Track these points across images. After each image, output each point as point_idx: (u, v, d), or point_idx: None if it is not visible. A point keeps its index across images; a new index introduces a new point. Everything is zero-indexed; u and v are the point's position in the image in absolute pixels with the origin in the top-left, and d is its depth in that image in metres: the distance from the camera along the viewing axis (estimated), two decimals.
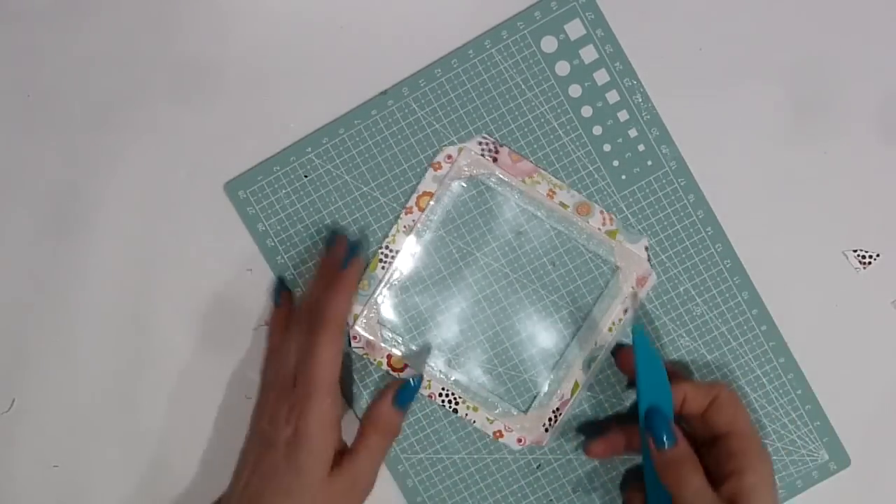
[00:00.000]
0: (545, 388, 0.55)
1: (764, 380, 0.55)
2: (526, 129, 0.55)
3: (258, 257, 0.56)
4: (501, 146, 0.54)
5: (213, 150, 0.56)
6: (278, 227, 0.55)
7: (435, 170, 0.55)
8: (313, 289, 0.53)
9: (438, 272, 0.55)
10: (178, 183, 0.56)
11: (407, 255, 0.55)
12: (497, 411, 0.55)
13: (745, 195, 0.55)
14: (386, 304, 0.55)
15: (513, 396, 0.55)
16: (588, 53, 0.55)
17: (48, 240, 0.56)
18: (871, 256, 0.56)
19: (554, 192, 0.55)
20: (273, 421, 0.50)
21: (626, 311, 0.55)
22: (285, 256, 0.55)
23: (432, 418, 0.56)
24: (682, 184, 0.55)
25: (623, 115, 0.55)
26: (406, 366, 0.55)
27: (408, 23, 0.55)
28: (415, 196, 0.55)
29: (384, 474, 0.56)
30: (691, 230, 0.55)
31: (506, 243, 0.55)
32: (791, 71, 0.55)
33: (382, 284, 0.55)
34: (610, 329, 0.55)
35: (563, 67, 0.55)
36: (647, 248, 0.55)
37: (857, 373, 0.56)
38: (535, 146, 0.55)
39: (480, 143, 0.54)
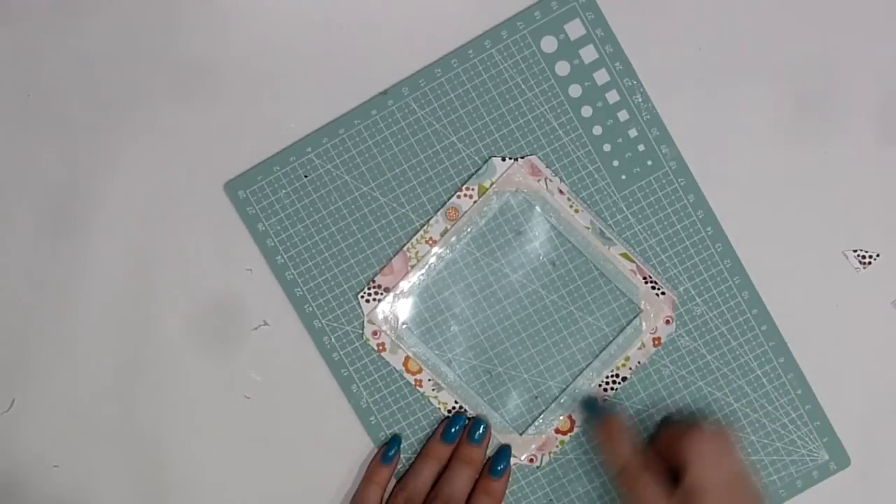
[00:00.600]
0: (542, 417, 0.55)
1: (764, 380, 0.55)
2: (526, 129, 0.55)
3: (258, 257, 0.56)
4: (554, 177, 0.54)
5: (213, 150, 0.56)
6: (278, 227, 0.55)
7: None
8: (447, 482, 0.53)
9: (468, 286, 0.55)
10: (178, 183, 0.56)
11: (437, 262, 0.55)
12: (495, 425, 0.55)
13: (745, 195, 0.55)
14: (411, 307, 0.55)
15: (514, 417, 0.56)
16: (588, 53, 0.55)
17: (48, 240, 0.56)
18: (871, 256, 0.56)
19: (591, 226, 0.55)
20: None
21: (639, 362, 0.55)
22: (285, 256, 0.55)
23: (433, 419, 0.56)
24: (682, 184, 0.55)
25: (623, 115, 0.55)
26: (421, 369, 0.55)
27: (408, 23, 0.56)
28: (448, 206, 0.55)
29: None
30: (691, 230, 0.55)
31: (540, 266, 0.55)
32: (791, 70, 0.55)
33: (411, 287, 0.55)
34: (618, 372, 0.55)
35: (563, 67, 0.55)
36: (675, 303, 0.55)
37: (857, 373, 0.56)
38: (535, 146, 0.55)
39: (533, 164, 0.54)
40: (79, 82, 0.55)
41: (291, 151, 0.55)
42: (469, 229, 0.55)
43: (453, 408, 0.55)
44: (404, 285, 0.55)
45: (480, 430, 0.54)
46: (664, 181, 0.55)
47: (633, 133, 0.55)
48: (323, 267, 0.55)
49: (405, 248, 0.55)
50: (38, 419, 0.56)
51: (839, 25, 0.55)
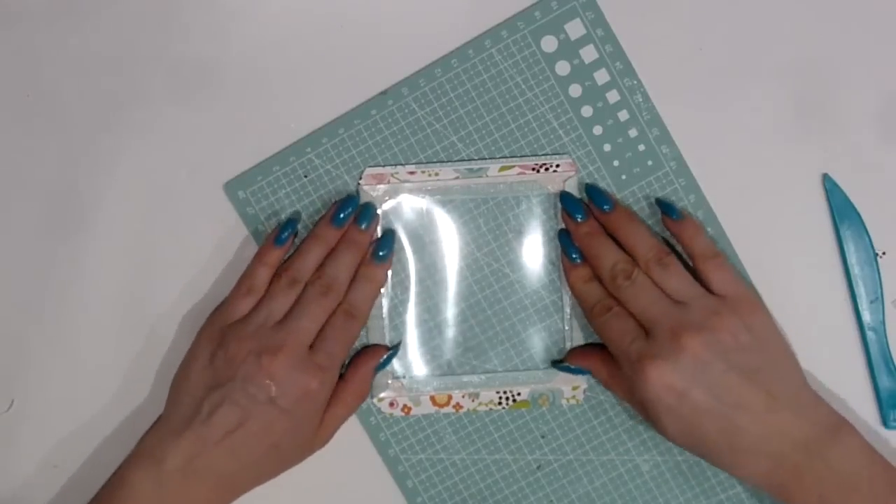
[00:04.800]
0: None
1: None
2: (526, 129, 0.55)
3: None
4: (397, 167, 0.55)
5: (212, 150, 0.56)
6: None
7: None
8: (332, 263, 0.53)
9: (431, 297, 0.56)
10: (178, 183, 0.56)
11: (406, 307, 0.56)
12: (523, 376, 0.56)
13: (745, 195, 0.55)
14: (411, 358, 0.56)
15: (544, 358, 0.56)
16: (588, 53, 0.55)
17: (48, 239, 0.56)
18: (878, 255, 0.56)
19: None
20: (273, 378, 0.50)
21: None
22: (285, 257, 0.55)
23: (433, 418, 0.56)
24: (682, 184, 0.55)
25: (623, 115, 0.55)
26: (451, 397, 0.55)
27: (408, 23, 0.55)
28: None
29: (384, 475, 0.56)
30: None
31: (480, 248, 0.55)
32: (792, 70, 0.55)
33: (386, 335, 0.56)
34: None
35: (563, 67, 0.55)
36: (573, 162, 0.55)
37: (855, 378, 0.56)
38: (535, 146, 0.55)
39: (372, 175, 0.55)
40: (78, 82, 0.55)
41: (291, 151, 0.55)
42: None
43: (501, 400, 0.55)
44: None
45: (369, 215, 0.54)
46: (664, 181, 0.55)
47: (633, 133, 0.55)
48: None
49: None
50: (38, 419, 0.56)
51: (840, 25, 0.55)
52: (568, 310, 0.55)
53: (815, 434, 0.49)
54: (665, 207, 0.54)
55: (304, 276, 0.53)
